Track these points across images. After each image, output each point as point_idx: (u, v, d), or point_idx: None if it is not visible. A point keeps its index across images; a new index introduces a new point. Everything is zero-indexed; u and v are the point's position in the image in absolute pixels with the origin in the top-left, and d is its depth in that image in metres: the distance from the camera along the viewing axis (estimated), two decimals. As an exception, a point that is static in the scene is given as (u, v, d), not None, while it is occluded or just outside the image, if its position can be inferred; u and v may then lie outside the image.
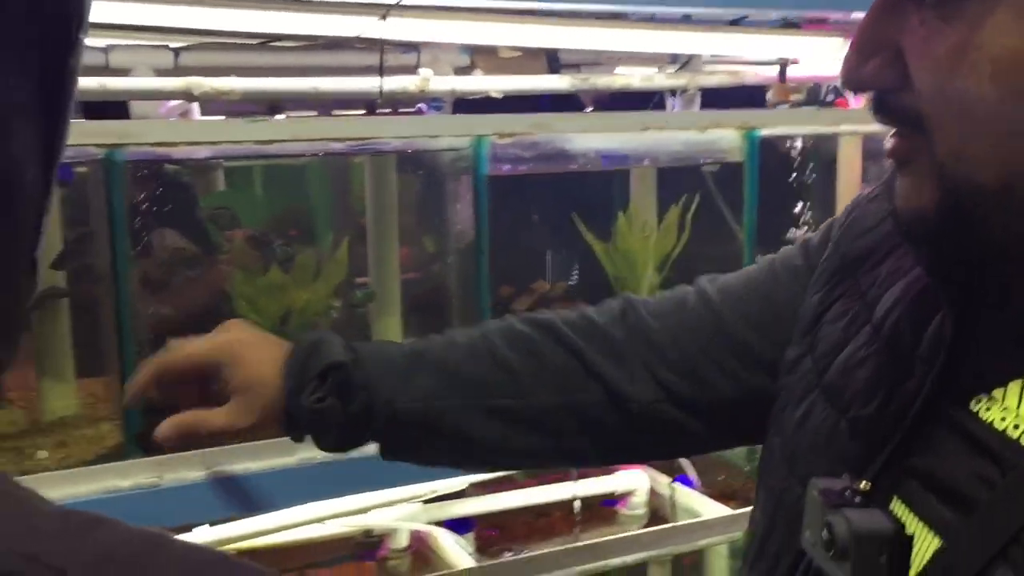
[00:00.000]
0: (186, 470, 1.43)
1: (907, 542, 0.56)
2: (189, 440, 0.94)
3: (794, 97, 2.51)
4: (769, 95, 2.46)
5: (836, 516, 0.57)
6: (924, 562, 0.55)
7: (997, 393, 0.55)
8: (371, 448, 1.53)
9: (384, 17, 1.54)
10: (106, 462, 1.42)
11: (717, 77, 2.00)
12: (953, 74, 0.51)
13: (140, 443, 1.43)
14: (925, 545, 0.56)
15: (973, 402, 0.56)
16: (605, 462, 0.97)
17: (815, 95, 2.58)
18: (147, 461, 1.41)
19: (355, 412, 0.85)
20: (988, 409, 0.55)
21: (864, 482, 0.60)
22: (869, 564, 0.56)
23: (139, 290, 1.70)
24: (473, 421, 0.86)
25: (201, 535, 1.65)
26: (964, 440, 0.55)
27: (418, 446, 0.89)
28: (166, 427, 0.91)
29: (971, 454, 0.55)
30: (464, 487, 1.96)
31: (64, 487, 1.36)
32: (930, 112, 0.53)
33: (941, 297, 0.60)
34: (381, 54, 1.58)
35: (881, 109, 0.56)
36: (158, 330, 1.68)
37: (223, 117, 1.81)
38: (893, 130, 0.57)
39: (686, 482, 1.95)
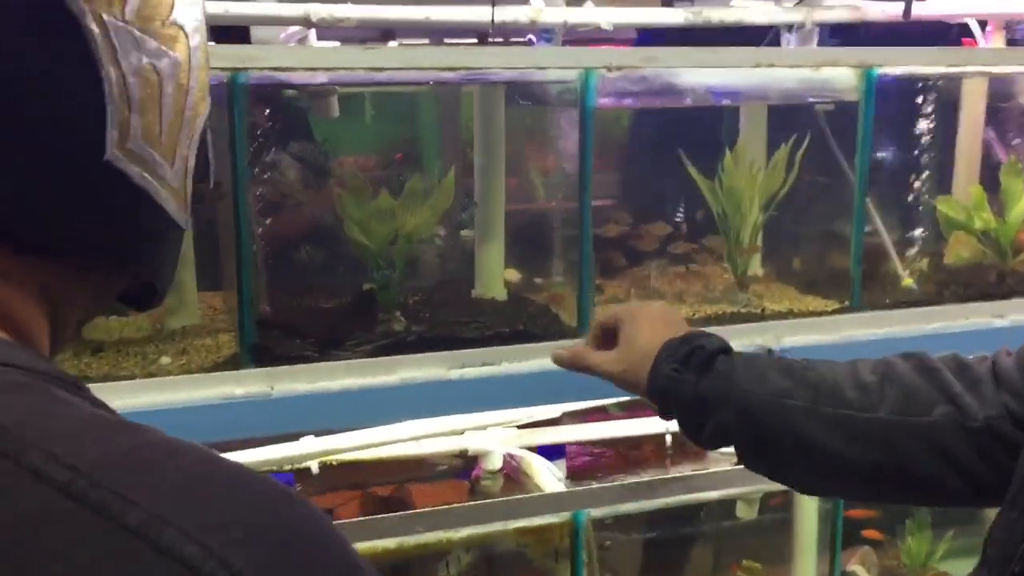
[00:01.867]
0: (295, 382, 1.52)
1: None
2: (573, 364, 1.18)
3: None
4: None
5: None
6: None
7: None
8: (470, 371, 1.59)
9: (498, -54, 1.55)
10: (222, 371, 1.51)
11: (836, 12, 1.94)
12: None
13: (253, 354, 1.51)
14: None
15: None
16: (939, 498, 1.05)
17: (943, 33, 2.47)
18: (260, 372, 1.50)
19: (706, 391, 1.02)
20: None
21: None
22: None
23: (256, 209, 1.78)
24: (817, 427, 0.98)
25: (307, 445, 1.75)
26: None
27: (765, 446, 1.01)
28: (565, 353, 1.20)
29: None
30: (558, 415, 2.01)
31: (184, 391, 1.46)
32: None
33: None
34: (494, -16, 1.59)
35: None
36: (272, 248, 1.76)
37: (338, 43, 1.85)
38: None
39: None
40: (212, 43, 1.57)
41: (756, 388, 1.01)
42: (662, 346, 1.07)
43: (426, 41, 2.16)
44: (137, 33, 0.51)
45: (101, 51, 0.49)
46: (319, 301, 1.73)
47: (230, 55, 1.38)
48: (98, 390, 1.44)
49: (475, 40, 2.01)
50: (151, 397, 1.44)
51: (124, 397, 1.42)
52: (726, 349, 1.08)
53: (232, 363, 1.52)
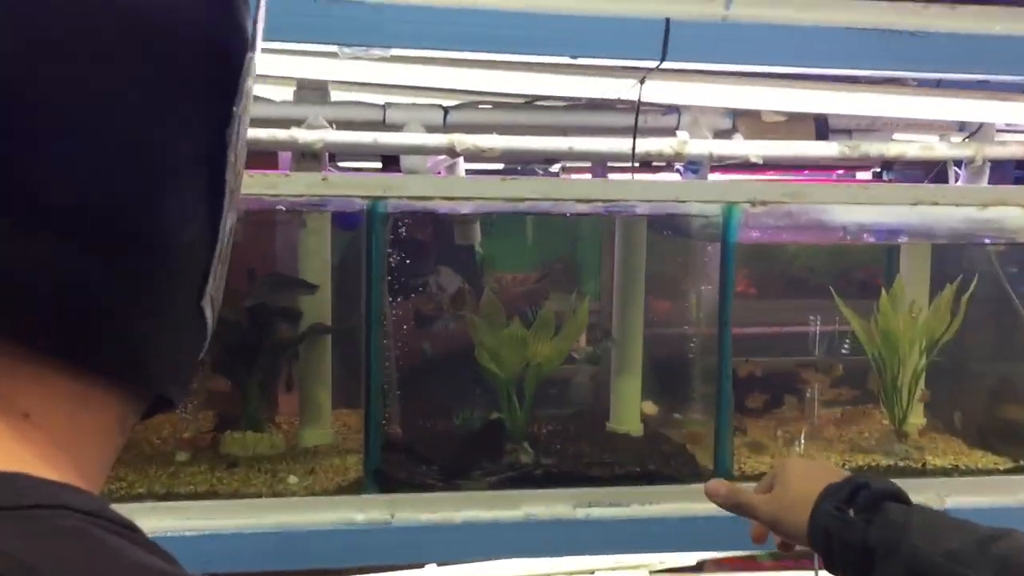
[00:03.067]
0: (416, 510, 1.49)
1: None
2: (728, 500, 1.16)
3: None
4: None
5: None
6: None
7: None
8: (597, 511, 1.52)
9: (642, 81, 1.54)
10: (346, 494, 1.50)
11: (1010, 148, 1.82)
12: None
13: (376, 479, 1.50)
14: None
15: None
16: None
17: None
18: (381, 498, 1.48)
19: (876, 539, 0.96)
20: None
21: None
22: None
23: (400, 327, 1.80)
24: None
25: (430, 574, 1.70)
26: None
27: None
28: (722, 487, 1.18)
29: None
30: (696, 563, 1.89)
31: (306, 513, 1.46)
32: None
33: None
34: (636, 117, 1.58)
35: None
36: (410, 367, 1.77)
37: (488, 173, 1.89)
38: None
39: None
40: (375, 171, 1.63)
41: (928, 544, 0.94)
42: (824, 488, 1.03)
43: (587, 165, 2.16)
44: (235, 191, 0.51)
45: (226, 207, 0.50)
46: (448, 427, 1.71)
47: (369, 184, 1.41)
48: (225, 507, 1.45)
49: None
50: (275, 517, 1.45)
51: (248, 516, 1.43)
52: (896, 494, 1.02)
53: (356, 486, 1.51)
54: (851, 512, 0.99)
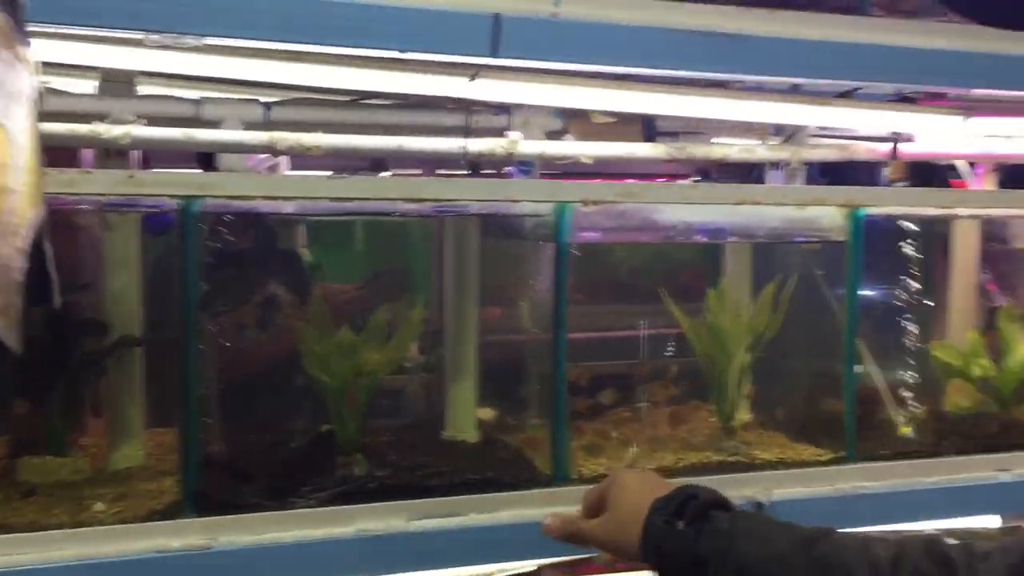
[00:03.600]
0: (240, 533, 1.39)
1: None
2: (563, 533, 1.15)
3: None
4: (886, 172, 2.34)
5: None
6: None
7: None
8: (434, 523, 1.46)
9: (473, 78, 1.51)
10: (162, 519, 1.38)
11: (823, 151, 1.90)
12: None
13: (195, 501, 1.39)
14: None
15: None
16: None
17: (929, 175, 2.44)
18: (201, 521, 1.37)
19: (706, 549, 0.99)
20: None
21: None
22: None
23: (220, 338, 1.69)
24: None
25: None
26: None
27: None
28: (556, 521, 1.16)
29: None
30: (535, 568, 1.87)
31: (114, 543, 1.33)
32: None
33: None
34: (467, 115, 1.55)
35: None
36: (231, 381, 1.66)
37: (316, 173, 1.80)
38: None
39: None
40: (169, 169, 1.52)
41: (756, 550, 0.98)
42: (652, 502, 1.05)
43: (419, 171, 2.10)
44: None
45: None
46: (275, 443, 1.61)
47: (182, 182, 1.31)
48: (21, 541, 1.30)
49: (468, 171, 1.96)
50: (78, 549, 1.31)
51: (47, 549, 1.29)
52: (722, 503, 1.05)
53: (173, 511, 1.39)
54: (680, 524, 1.02)
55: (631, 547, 1.05)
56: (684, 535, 1.01)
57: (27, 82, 0.51)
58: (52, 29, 1.30)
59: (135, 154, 1.63)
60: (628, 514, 1.07)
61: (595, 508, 1.14)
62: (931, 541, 0.95)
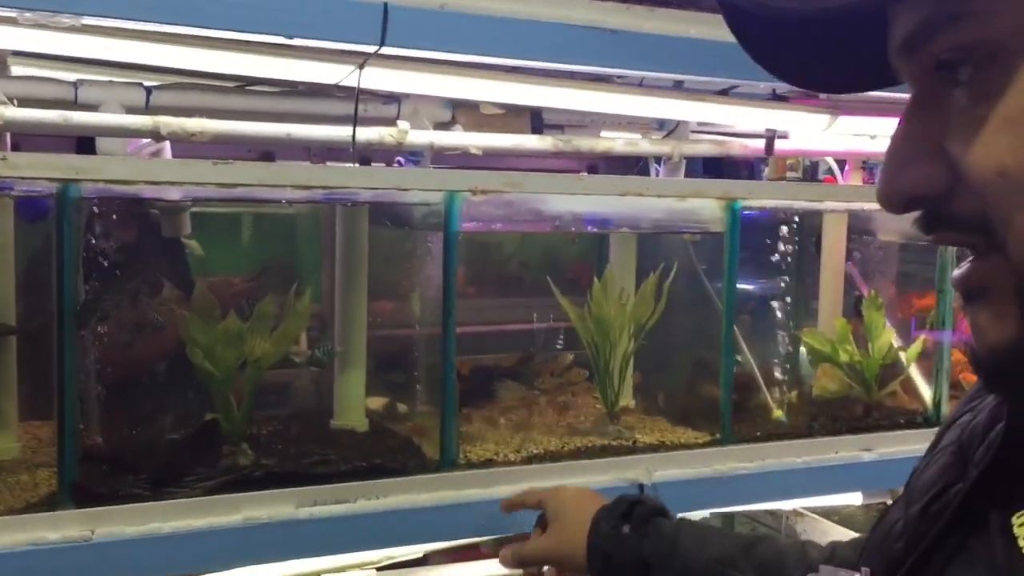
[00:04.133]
0: (120, 524, 1.36)
1: None
2: (518, 562, 1.20)
3: (790, 174, 2.49)
4: (766, 170, 2.45)
5: None
6: None
7: None
8: (322, 509, 1.46)
9: (361, 67, 1.51)
10: (37, 511, 1.34)
11: (702, 146, 1.97)
12: (1014, 149, 0.45)
13: (73, 493, 1.35)
14: None
15: (1016, 516, 0.51)
16: None
17: (812, 173, 2.57)
18: (79, 513, 1.34)
19: (650, 552, 1.05)
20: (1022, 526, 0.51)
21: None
22: None
23: (98, 327, 1.64)
24: None
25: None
26: (991, 555, 0.51)
27: None
28: (507, 552, 1.21)
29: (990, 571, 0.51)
30: (422, 555, 1.88)
31: (-13, 536, 1.28)
32: (995, 204, 0.47)
33: (1007, 409, 0.56)
34: (356, 103, 1.55)
35: (937, 223, 0.50)
36: (105, 375, 1.61)
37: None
38: (962, 265, 0.51)
39: None
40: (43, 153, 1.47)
41: (699, 553, 1.04)
42: (597, 511, 1.10)
43: (307, 162, 2.09)
44: None
45: None
46: (157, 433, 1.58)
47: (60, 165, 1.27)
48: None
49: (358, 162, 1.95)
50: (-53, 543, 1.26)
51: (-87, 544, 1.24)
52: (664, 511, 1.12)
53: (49, 503, 1.36)
54: (626, 528, 1.07)
55: (578, 557, 1.10)
56: (630, 539, 1.06)
57: None
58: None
59: (5, 139, 1.57)
60: (573, 525, 1.12)
61: (539, 530, 1.20)
62: (859, 541, 1.00)
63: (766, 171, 2.50)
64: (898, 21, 0.50)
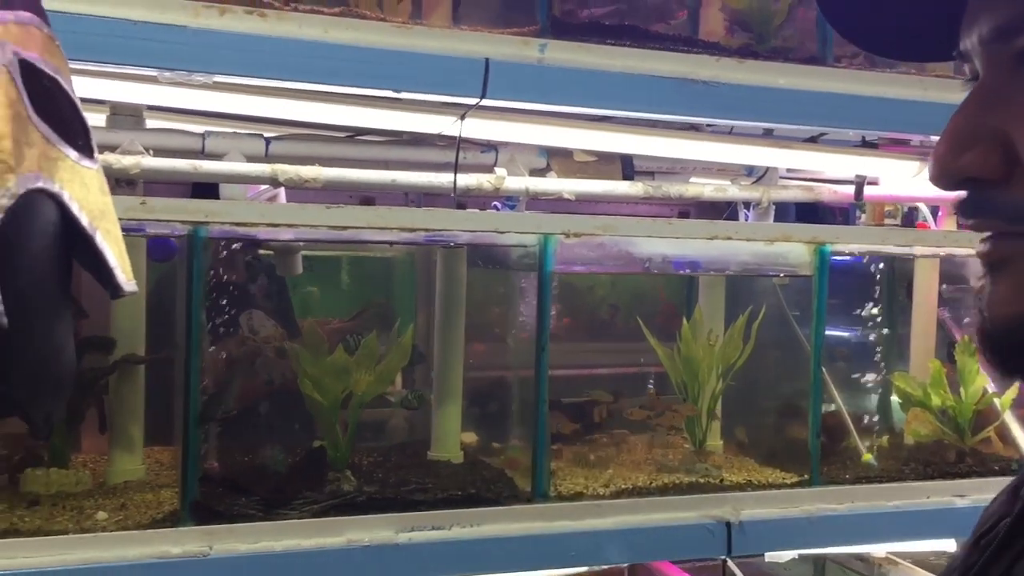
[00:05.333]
0: (235, 541, 1.46)
1: None
2: None
3: (889, 221, 2.50)
4: (863, 216, 2.47)
5: None
6: None
7: None
8: (419, 535, 1.53)
9: (462, 117, 1.61)
10: (161, 527, 1.46)
11: (791, 192, 2.01)
12: None
13: (194, 511, 1.46)
14: None
15: None
16: None
17: (911, 218, 2.57)
18: (199, 530, 1.45)
19: None
20: None
21: None
22: None
23: (219, 365, 1.77)
24: None
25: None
26: None
27: None
28: None
29: None
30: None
31: (117, 549, 1.40)
32: None
33: None
34: (456, 151, 1.65)
35: (982, 208, 0.51)
36: (225, 403, 1.74)
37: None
38: (984, 235, 0.52)
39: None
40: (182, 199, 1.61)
41: None
42: None
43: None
44: None
45: None
46: (269, 458, 1.69)
47: (191, 209, 1.40)
48: (28, 545, 1.37)
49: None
50: (83, 553, 1.38)
51: (54, 553, 1.36)
52: None
53: (171, 520, 1.47)
54: None
55: None
56: None
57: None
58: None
59: (139, 186, 1.72)
60: None
61: None
62: None
63: (863, 217, 2.51)
64: (986, 11, 0.52)
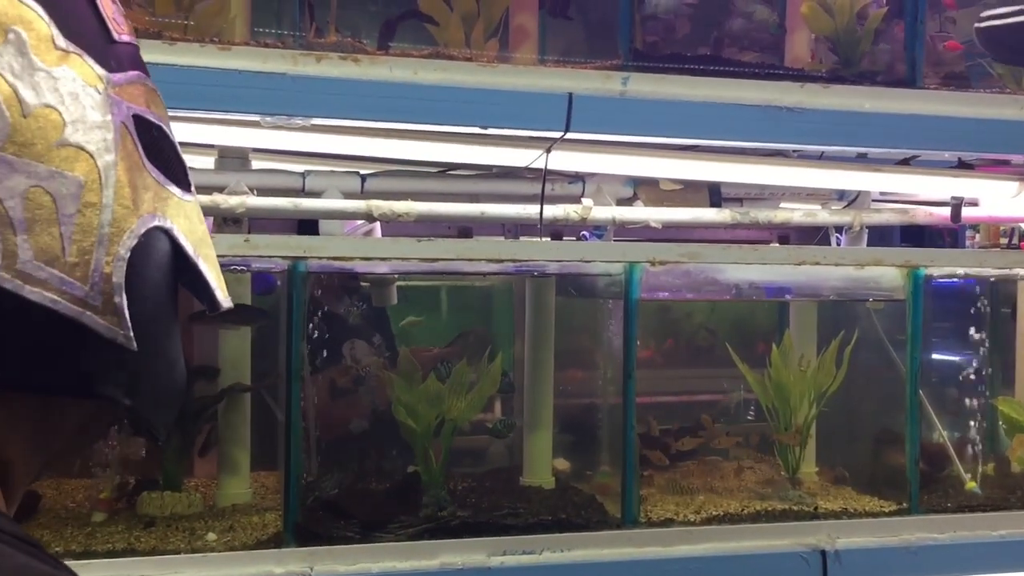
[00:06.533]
0: (335, 562, 1.52)
1: None
2: None
3: (1004, 240, 2.43)
4: (977, 236, 2.41)
5: None
6: None
7: None
8: (511, 559, 1.56)
9: (548, 150, 1.66)
10: (265, 548, 1.53)
11: (884, 215, 1.99)
12: None
13: (296, 533, 1.53)
14: None
15: None
16: None
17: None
18: (300, 551, 1.52)
19: None
20: None
21: None
22: None
23: (323, 393, 1.85)
24: None
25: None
26: None
27: None
28: None
29: None
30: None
31: (225, 568, 1.48)
32: None
33: None
34: (543, 183, 1.69)
35: None
36: (331, 430, 1.81)
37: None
38: None
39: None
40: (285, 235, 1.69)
41: None
42: None
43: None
44: (11, 158, 0.52)
45: None
46: (368, 482, 1.75)
47: (291, 244, 1.48)
48: (144, 564, 1.46)
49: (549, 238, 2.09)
50: (194, 571, 1.46)
51: (167, 571, 1.45)
52: None
53: (275, 541, 1.54)
54: None
55: None
56: None
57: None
58: (178, 113, 1.51)
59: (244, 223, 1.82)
60: None
61: None
62: None
63: (976, 237, 2.45)
64: None
